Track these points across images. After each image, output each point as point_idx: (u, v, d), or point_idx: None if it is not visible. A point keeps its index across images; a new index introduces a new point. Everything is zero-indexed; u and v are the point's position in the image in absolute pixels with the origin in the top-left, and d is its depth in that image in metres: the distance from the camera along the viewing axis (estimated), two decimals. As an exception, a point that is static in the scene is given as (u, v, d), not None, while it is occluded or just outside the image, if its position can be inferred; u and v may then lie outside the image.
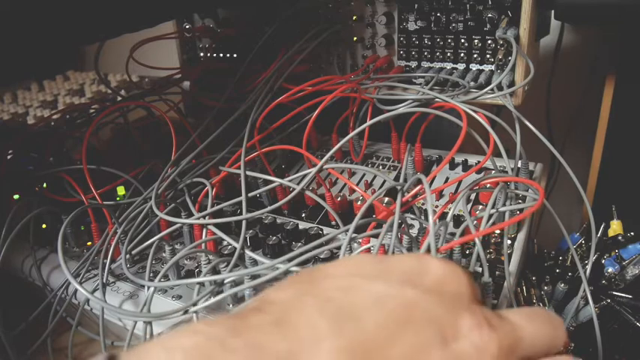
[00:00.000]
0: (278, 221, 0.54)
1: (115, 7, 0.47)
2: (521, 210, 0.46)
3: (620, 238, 0.55)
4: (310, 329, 0.20)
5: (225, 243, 0.49)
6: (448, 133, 0.62)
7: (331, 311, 0.21)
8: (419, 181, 0.45)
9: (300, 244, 0.51)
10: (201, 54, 0.79)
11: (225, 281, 0.42)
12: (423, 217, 0.49)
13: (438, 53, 0.62)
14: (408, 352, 0.20)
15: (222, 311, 0.41)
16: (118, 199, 0.58)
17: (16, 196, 0.60)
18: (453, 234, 0.48)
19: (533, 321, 0.25)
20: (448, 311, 0.23)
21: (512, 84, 0.57)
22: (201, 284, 0.42)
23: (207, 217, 0.49)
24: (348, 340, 0.20)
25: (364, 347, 0.20)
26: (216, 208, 0.50)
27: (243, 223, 0.48)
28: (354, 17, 0.65)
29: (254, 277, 0.41)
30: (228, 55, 0.75)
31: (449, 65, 0.62)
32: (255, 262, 0.45)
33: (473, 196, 0.54)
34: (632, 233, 0.56)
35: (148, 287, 0.44)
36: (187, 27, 0.77)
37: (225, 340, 0.18)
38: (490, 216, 0.41)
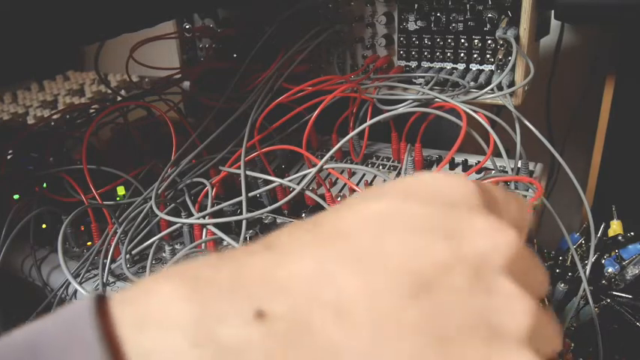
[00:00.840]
0: (278, 221, 0.54)
1: (115, 7, 0.47)
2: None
3: (620, 238, 0.55)
4: (297, 240, 0.19)
5: (225, 243, 0.49)
6: (448, 133, 0.62)
7: (321, 230, 0.19)
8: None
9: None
10: (201, 54, 0.79)
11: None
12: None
13: (438, 53, 0.62)
14: (404, 251, 0.18)
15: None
16: (118, 199, 0.58)
17: (16, 196, 0.60)
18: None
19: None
20: (449, 216, 0.20)
21: (512, 84, 0.57)
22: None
23: (207, 217, 0.50)
24: (335, 248, 0.18)
25: (353, 253, 0.18)
26: (216, 208, 0.50)
27: (244, 223, 0.48)
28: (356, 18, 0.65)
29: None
30: (228, 55, 0.75)
31: (449, 65, 0.62)
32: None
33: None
34: (632, 233, 0.56)
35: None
36: (187, 27, 0.77)
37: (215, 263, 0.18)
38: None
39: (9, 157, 0.65)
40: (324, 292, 0.17)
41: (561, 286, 0.52)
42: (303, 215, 0.56)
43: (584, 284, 0.46)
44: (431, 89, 0.57)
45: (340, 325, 0.16)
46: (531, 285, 0.20)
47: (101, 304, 0.16)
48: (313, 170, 0.50)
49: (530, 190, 0.50)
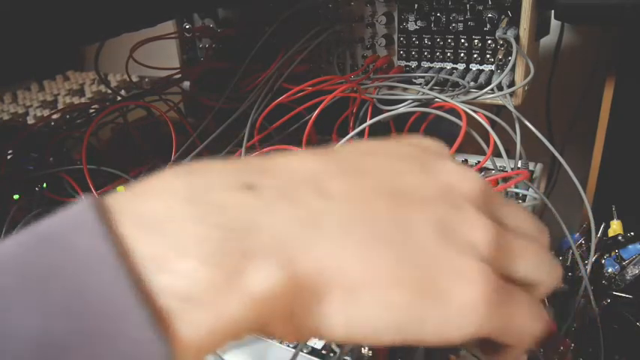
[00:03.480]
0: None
1: (115, 7, 0.47)
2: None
3: (620, 238, 0.55)
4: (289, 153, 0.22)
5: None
6: (448, 133, 0.62)
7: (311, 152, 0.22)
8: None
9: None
10: (201, 54, 0.79)
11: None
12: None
13: (438, 53, 0.62)
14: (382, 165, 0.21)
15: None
16: (118, 199, 0.58)
17: (16, 196, 0.60)
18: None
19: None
20: (425, 156, 0.23)
21: (512, 84, 0.57)
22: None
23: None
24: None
25: (338, 162, 0.21)
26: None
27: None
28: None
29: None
30: (228, 55, 0.75)
31: (449, 65, 0.62)
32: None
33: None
34: (632, 233, 0.56)
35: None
36: (187, 27, 0.77)
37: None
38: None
39: (9, 157, 0.65)
40: (309, 177, 0.20)
41: (561, 286, 0.52)
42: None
43: (586, 284, 0.46)
44: (431, 89, 0.57)
45: (321, 198, 0.19)
46: (503, 221, 0.22)
47: (101, 200, 0.18)
48: (313, 170, 0.50)
49: (530, 189, 0.50)
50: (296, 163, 0.20)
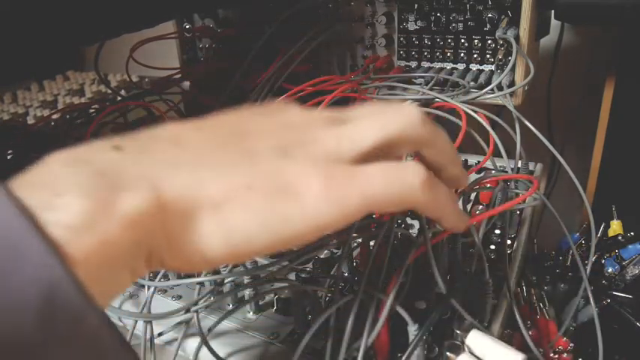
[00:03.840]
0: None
1: (115, 8, 0.47)
2: (521, 210, 0.46)
3: (620, 238, 0.55)
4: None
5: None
6: (448, 133, 0.62)
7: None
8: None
9: (300, 244, 0.51)
10: (201, 54, 0.79)
11: (225, 281, 0.42)
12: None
13: (438, 53, 0.62)
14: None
15: (223, 311, 0.41)
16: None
17: (16, 196, 0.60)
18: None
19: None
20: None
21: (512, 84, 0.57)
22: (201, 284, 0.42)
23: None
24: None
25: (199, 123, 0.26)
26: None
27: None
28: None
29: (254, 277, 0.41)
30: (228, 55, 0.75)
31: (449, 65, 0.62)
32: (255, 262, 0.45)
33: (473, 196, 0.54)
34: (632, 233, 0.56)
35: (148, 287, 0.44)
36: (187, 27, 0.77)
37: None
38: (491, 217, 0.41)
39: (9, 157, 0.65)
40: (167, 135, 0.24)
41: (561, 286, 0.52)
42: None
43: (585, 284, 0.46)
44: (431, 89, 0.57)
45: (177, 147, 0.23)
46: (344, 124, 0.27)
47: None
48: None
49: (530, 189, 0.50)
50: (158, 129, 0.25)
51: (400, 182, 0.25)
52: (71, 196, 0.20)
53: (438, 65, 0.63)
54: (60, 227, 0.19)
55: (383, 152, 0.26)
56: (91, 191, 0.20)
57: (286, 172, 0.23)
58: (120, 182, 0.21)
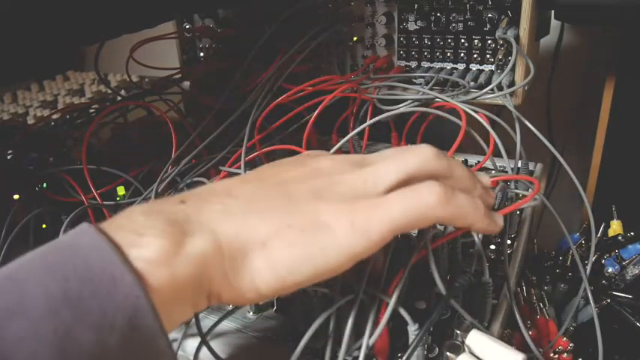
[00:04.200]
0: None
1: (115, 8, 0.47)
2: (521, 210, 0.46)
3: (620, 238, 0.55)
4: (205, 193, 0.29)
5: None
6: (448, 133, 0.62)
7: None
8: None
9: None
10: (201, 54, 0.79)
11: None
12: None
13: (438, 53, 0.62)
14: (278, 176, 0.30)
15: (223, 311, 0.41)
16: (118, 199, 0.58)
17: (16, 196, 0.60)
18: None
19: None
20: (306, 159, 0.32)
21: (512, 84, 0.57)
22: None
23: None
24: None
25: (241, 178, 0.31)
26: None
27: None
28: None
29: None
30: (228, 55, 0.75)
31: (449, 65, 0.62)
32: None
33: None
34: (632, 233, 0.56)
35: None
36: (187, 27, 0.77)
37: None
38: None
39: (9, 157, 0.65)
40: (221, 189, 0.29)
41: (561, 286, 0.52)
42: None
43: (585, 284, 0.46)
44: (431, 89, 0.57)
45: (230, 197, 0.28)
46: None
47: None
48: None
49: (530, 190, 0.50)
50: (214, 184, 0.30)
51: (416, 203, 0.27)
52: (151, 236, 0.24)
53: (438, 65, 0.63)
54: (142, 261, 0.23)
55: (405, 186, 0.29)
56: (166, 234, 0.24)
57: (320, 211, 0.27)
58: (187, 228, 0.25)
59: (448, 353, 0.34)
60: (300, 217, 0.27)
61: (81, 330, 0.21)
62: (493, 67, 0.59)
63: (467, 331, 0.34)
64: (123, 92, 0.88)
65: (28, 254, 0.24)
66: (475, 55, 0.60)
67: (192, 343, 0.40)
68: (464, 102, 0.52)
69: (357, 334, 0.34)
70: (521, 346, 0.44)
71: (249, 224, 0.26)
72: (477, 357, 0.33)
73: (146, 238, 0.24)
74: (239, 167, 0.53)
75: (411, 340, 0.33)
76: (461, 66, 0.61)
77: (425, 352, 0.35)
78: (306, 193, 0.28)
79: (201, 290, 0.25)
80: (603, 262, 0.52)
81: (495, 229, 0.32)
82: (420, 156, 0.30)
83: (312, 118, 0.55)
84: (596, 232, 0.52)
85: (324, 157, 0.32)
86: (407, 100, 0.58)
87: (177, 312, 0.25)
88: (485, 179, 0.36)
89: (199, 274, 0.25)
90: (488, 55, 0.59)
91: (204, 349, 0.39)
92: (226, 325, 0.42)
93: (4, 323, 0.20)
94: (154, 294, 0.23)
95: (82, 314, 0.21)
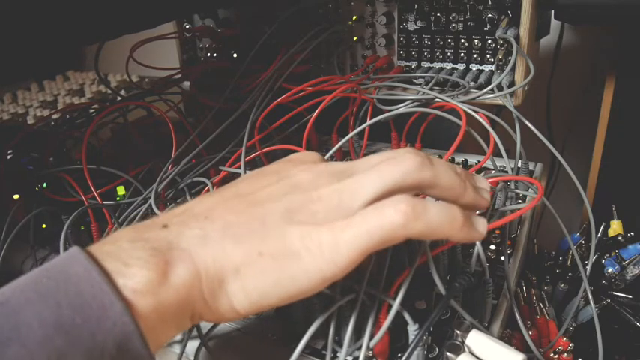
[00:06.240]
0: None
1: (116, 9, 0.47)
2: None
3: (620, 238, 0.55)
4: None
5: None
6: (448, 133, 0.62)
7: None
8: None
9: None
10: (201, 54, 0.79)
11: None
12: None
13: (438, 53, 0.62)
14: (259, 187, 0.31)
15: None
16: (118, 199, 0.58)
17: (16, 196, 0.60)
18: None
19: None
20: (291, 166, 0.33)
21: (512, 84, 0.57)
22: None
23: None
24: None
25: (219, 194, 0.31)
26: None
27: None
28: (354, 17, 0.65)
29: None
30: (228, 55, 0.75)
31: (449, 65, 0.62)
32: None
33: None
34: (632, 233, 0.56)
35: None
36: (187, 27, 0.77)
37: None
38: (491, 216, 0.41)
39: (9, 157, 0.65)
40: (199, 211, 0.29)
41: (561, 286, 0.52)
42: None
43: (585, 284, 0.46)
44: (431, 89, 0.57)
45: (207, 221, 0.29)
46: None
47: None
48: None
49: (530, 190, 0.50)
50: (195, 204, 0.30)
51: (380, 223, 0.27)
52: (137, 267, 0.26)
53: (438, 65, 0.63)
54: (129, 290, 0.25)
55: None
56: (150, 265, 0.26)
57: (291, 236, 0.27)
58: (169, 257, 0.27)
59: (448, 353, 0.34)
60: (272, 243, 0.27)
61: (73, 355, 0.23)
62: (493, 67, 0.59)
63: (467, 331, 0.34)
64: (123, 92, 0.88)
65: (21, 279, 0.25)
66: (475, 55, 0.60)
67: (192, 344, 0.40)
68: (464, 102, 0.52)
69: (357, 334, 0.34)
70: (521, 346, 0.44)
71: (225, 250, 0.27)
72: (477, 357, 0.33)
73: (132, 269, 0.26)
74: (239, 167, 0.53)
75: (411, 340, 0.33)
76: (461, 66, 0.61)
77: (425, 352, 0.35)
78: (280, 215, 0.28)
79: (184, 313, 0.27)
80: (603, 262, 0.52)
81: (476, 236, 0.30)
82: (402, 168, 0.29)
83: (312, 118, 0.55)
84: (596, 232, 0.52)
85: (304, 169, 0.31)
86: (407, 100, 0.58)
87: (162, 334, 0.27)
88: (482, 181, 0.34)
89: (182, 299, 0.26)
90: (488, 55, 0.59)
91: (204, 350, 0.39)
92: (226, 325, 0.42)
93: (1, 349, 0.22)
94: (141, 320, 0.25)
95: (74, 340, 0.23)
